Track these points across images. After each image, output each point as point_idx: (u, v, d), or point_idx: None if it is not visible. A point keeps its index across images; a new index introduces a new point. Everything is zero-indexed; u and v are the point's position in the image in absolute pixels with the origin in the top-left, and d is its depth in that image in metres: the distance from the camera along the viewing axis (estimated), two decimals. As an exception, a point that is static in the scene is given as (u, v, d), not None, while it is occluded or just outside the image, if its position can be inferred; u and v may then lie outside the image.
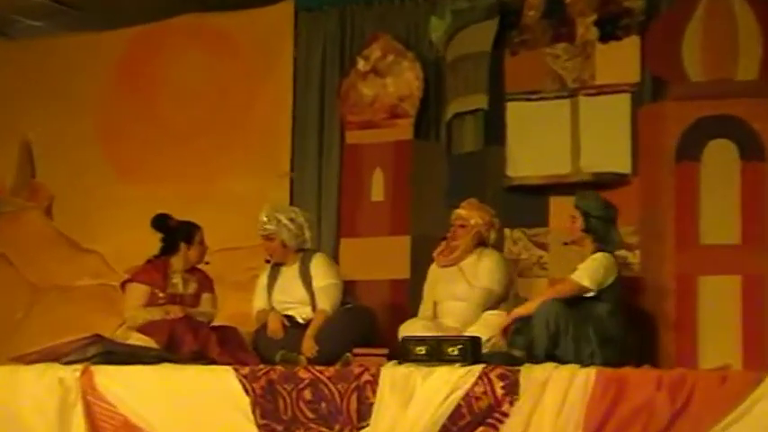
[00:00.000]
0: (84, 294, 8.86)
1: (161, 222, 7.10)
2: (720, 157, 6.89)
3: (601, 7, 7.43)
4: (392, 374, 5.70)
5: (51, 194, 9.18)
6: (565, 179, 7.39)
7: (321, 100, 8.51)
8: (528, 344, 6.09)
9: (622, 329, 6.24)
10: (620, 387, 5.28)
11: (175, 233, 7.07)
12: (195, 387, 6.08)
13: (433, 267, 7.06)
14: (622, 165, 7.30)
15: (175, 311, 6.86)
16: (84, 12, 9.03)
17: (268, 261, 7.22)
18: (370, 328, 6.99)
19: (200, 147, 8.71)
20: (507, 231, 7.50)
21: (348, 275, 7.28)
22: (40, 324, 8.81)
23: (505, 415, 5.44)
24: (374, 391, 5.68)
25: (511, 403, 5.44)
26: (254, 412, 5.90)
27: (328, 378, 5.81)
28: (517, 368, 5.54)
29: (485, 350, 6.13)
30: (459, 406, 5.50)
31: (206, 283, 7.11)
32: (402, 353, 5.98)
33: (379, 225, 8.01)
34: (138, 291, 6.97)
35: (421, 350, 5.91)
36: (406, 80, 8.09)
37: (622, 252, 6.85)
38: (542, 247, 7.53)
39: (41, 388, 6.28)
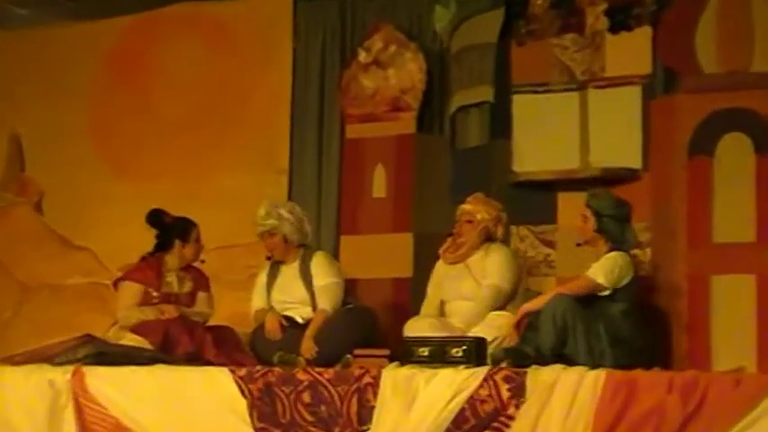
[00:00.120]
0: (75, 293, 8.88)
1: (156, 218, 7.10)
2: (735, 151, 6.88)
3: (611, -4, 7.44)
4: (394, 376, 5.70)
5: (41, 189, 9.19)
6: (573, 175, 7.38)
7: (321, 93, 8.51)
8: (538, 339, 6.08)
9: (635, 331, 6.24)
10: (630, 389, 5.28)
11: (170, 230, 7.07)
12: (190, 389, 6.09)
13: (440, 264, 7.04)
14: (633, 160, 7.29)
15: (170, 311, 6.85)
16: (75, 1, 9.03)
17: (269, 258, 7.21)
18: (372, 329, 6.99)
19: (196, 141, 8.72)
20: (513, 228, 7.50)
21: (349, 274, 7.28)
22: (29, 324, 8.83)
23: (511, 418, 5.44)
24: (375, 394, 5.69)
25: (517, 406, 5.44)
26: (251, 415, 5.91)
27: (328, 380, 5.82)
28: (524, 370, 5.54)
29: (489, 351, 6.12)
30: (463, 409, 5.50)
31: (202, 282, 7.11)
32: (404, 354, 5.98)
33: (381, 222, 8.01)
34: (132, 289, 6.97)
35: (424, 351, 5.93)
36: (408, 72, 8.09)
37: (633, 250, 6.83)
38: (550, 244, 7.53)
39: (30, 390, 6.28)
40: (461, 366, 5.69)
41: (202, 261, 7.17)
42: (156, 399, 6.10)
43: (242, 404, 5.92)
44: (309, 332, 6.85)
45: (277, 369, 6.05)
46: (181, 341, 6.70)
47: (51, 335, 7.20)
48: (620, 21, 7.38)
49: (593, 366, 5.62)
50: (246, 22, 8.77)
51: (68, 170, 9.02)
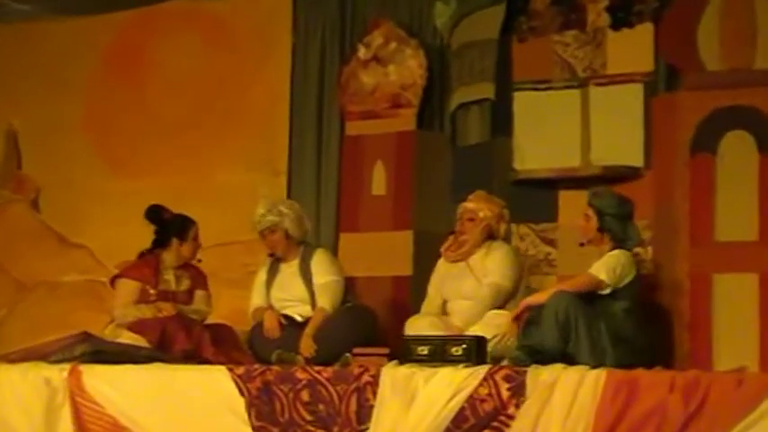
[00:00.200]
0: (71, 290, 8.89)
1: (155, 214, 7.10)
2: (737, 149, 6.88)
3: (613, -8, 7.45)
4: (393, 375, 5.70)
5: (38, 186, 9.21)
6: (574, 173, 7.39)
7: (320, 89, 8.52)
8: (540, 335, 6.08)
9: (637, 330, 6.24)
10: (631, 389, 5.28)
11: (168, 227, 7.07)
12: (188, 388, 6.09)
13: (441, 263, 7.03)
14: (635, 157, 7.30)
15: (167, 309, 6.86)
16: (73, -4, 9.06)
17: (272, 255, 7.20)
18: (371, 328, 7.00)
19: (194, 138, 8.73)
20: (514, 227, 7.49)
21: (348, 272, 7.28)
22: (25, 321, 8.84)
23: (511, 418, 5.44)
24: (374, 393, 5.69)
25: (517, 406, 5.44)
26: (249, 414, 5.91)
27: (327, 379, 5.82)
28: (524, 369, 5.55)
29: (489, 349, 6.13)
30: (462, 408, 5.50)
31: (199, 280, 7.12)
32: (404, 353, 5.98)
33: (381, 220, 8.01)
34: (129, 287, 6.98)
35: (423, 350, 5.93)
36: (408, 68, 8.10)
37: (635, 249, 6.84)
38: (551, 243, 7.53)
39: (27, 388, 6.28)
40: (461, 365, 5.69)
41: (199, 260, 7.17)
42: (154, 397, 6.10)
43: (240, 403, 5.93)
44: (308, 330, 6.86)
45: (275, 367, 6.05)
46: (178, 339, 6.71)
47: (48, 332, 7.21)
48: (621, 17, 7.39)
49: (596, 365, 5.63)
50: (245, 18, 8.78)
51: (65, 167, 9.03)
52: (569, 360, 5.80)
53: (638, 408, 5.24)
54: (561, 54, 7.55)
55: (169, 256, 7.06)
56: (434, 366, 5.72)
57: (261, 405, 5.90)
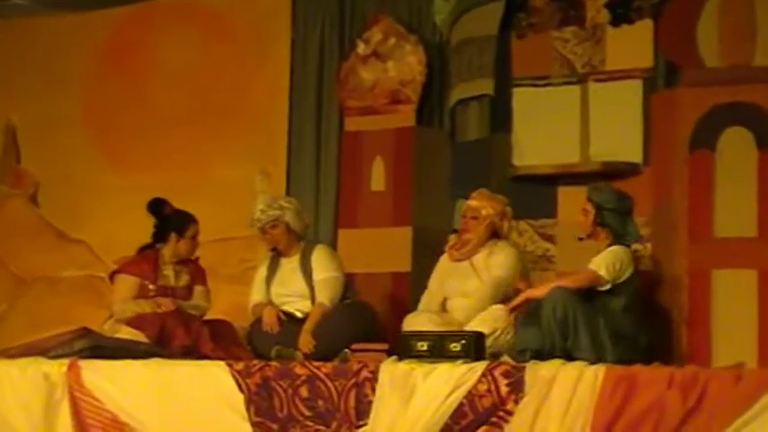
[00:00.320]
0: (70, 286, 8.89)
1: (156, 207, 7.11)
2: (736, 145, 6.89)
3: (612, -11, 7.46)
4: (392, 371, 5.71)
5: (37, 181, 9.21)
6: (573, 169, 7.40)
7: (319, 85, 8.52)
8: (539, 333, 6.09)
9: (635, 326, 6.25)
10: (629, 385, 5.29)
11: (168, 221, 7.08)
12: (186, 383, 6.10)
13: (444, 260, 7.00)
14: (634, 154, 7.31)
15: (166, 304, 6.87)
16: (71, -9, 9.06)
17: (274, 250, 7.21)
18: (371, 324, 7.00)
19: (192, 133, 8.73)
20: (513, 223, 7.49)
21: (347, 268, 7.27)
22: (24, 317, 8.84)
23: (510, 414, 5.46)
24: (373, 389, 5.70)
25: (516, 401, 5.45)
26: (248, 410, 5.92)
27: (326, 375, 5.83)
28: (522, 365, 5.56)
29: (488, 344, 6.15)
30: (461, 404, 5.51)
31: (199, 276, 7.12)
32: (403, 349, 5.99)
33: (380, 216, 8.01)
34: (128, 282, 6.99)
35: (422, 346, 5.93)
36: (408, 64, 8.11)
37: (634, 245, 6.85)
38: (549, 239, 7.54)
39: (25, 384, 6.29)
40: (460, 361, 5.70)
41: (196, 258, 7.17)
42: (153, 393, 6.11)
43: (239, 398, 5.94)
44: (307, 326, 6.86)
45: (274, 363, 6.05)
46: (177, 335, 6.72)
47: (47, 328, 7.22)
48: (621, 13, 7.39)
49: (595, 361, 5.63)
50: (244, 13, 8.78)
51: (64, 162, 9.04)
52: (568, 356, 5.81)
53: (636, 403, 5.25)
54: (560, 50, 7.56)
55: (167, 251, 7.07)
56: (433, 362, 5.73)
57: (260, 401, 5.91)
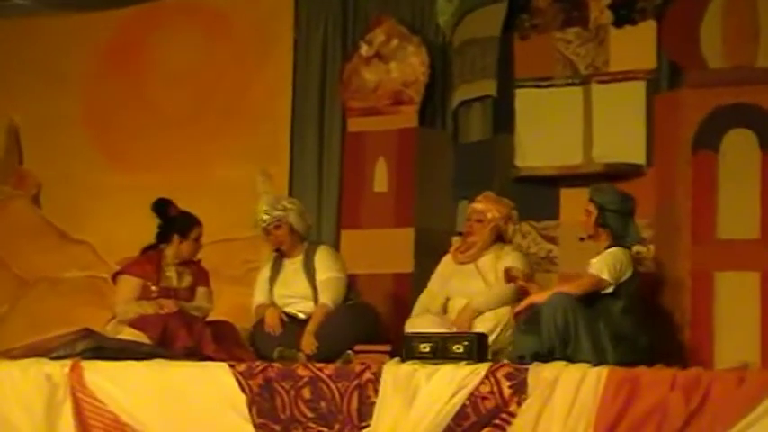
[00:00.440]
0: (72, 287, 8.90)
1: (161, 208, 7.11)
2: (740, 147, 6.90)
3: (615, -10, 7.47)
4: (395, 373, 5.72)
5: (39, 182, 9.22)
6: (576, 170, 7.41)
7: (322, 86, 8.53)
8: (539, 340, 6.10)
9: (636, 328, 6.26)
10: (632, 387, 5.30)
11: (172, 222, 7.09)
12: (189, 384, 6.11)
13: (448, 260, 7.00)
14: (637, 155, 7.31)
15: (169, 305, 6.88)
16: (73, -9, 9.07)
17: (278, 251, 7.22)
18: (373, 325, 7.01)
19: (195, 134, 8.74)
20: (517, 226, 7.50)
21: (349, 269, 7.28)
22: (26, 318, 8.85)
23: (513, 415, 5.47)
24: (376, 390, 5.72)
25: (518, 403, 5.46)
26: (250, 411, 5.93)
27: (328, 376, 5.84)
28: (525, 367, 5.57)
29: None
30: (464, 406, 5.53)
31: (201, 277, 7.13)
32: (405, 350, 6.00)
33: (382, 217, 8.02)
34: (130, 284, 7.00)
35: (425, 347, 5.94)
36: (411, 65, 8.11)
37: (636, 246, 6.86)
38: (552, 240, 7.55)
39: (28, 384, 6.30)
40: (462, 362, 5.71)
41: (198, 260, 7.18)
42: (155, 394, 6.13)
43: (241, 400, 5.95)
44: (310, 327, 6.87)
45: (277, 364, 6.07)
46: (179, 336, 6.73)
47: (49, 329, 7.23)
48: (624, 15, 7.40)
49: (596, 364, 5.63)
50: (246, 13, 8.79)
51: (66, 162, 9.04)
52: (569, 361, 5.80)
53: (639, 405, 5.26)
54: (563, 51, 7.57)
55: (170, 252, 7.08)
56: (436, 363, 5.74)
57: (262, 402, 5.92)
